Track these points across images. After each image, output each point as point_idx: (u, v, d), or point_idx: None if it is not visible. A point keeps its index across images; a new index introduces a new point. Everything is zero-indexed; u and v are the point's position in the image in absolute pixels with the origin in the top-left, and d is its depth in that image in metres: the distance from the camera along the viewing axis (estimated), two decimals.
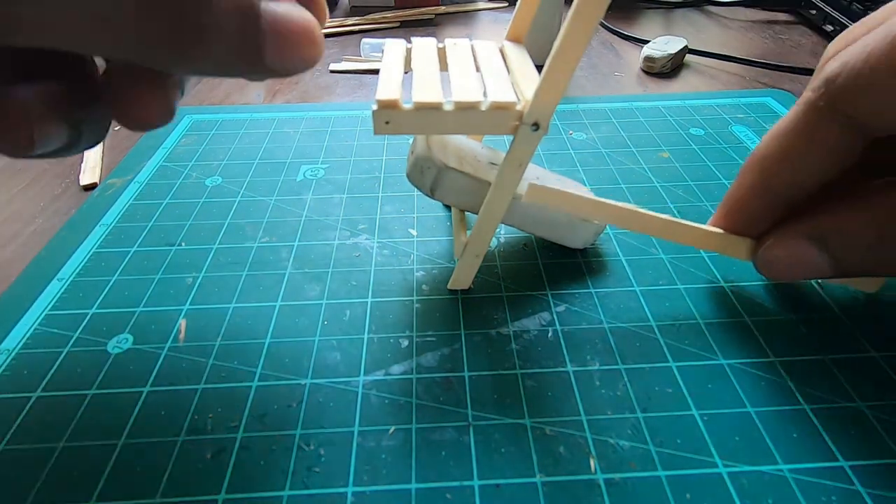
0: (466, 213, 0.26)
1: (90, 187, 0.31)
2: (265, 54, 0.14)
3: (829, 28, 0.51)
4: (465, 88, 0.17)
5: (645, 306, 0.23)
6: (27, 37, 0.12)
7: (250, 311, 0.22)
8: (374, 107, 0.17)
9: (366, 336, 0.21)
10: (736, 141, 0.34)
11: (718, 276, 0.24)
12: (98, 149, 0.35)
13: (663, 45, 0.46)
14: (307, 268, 0.25)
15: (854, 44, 0.17)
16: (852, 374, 0.20)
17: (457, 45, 0.21)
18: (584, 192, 0.26)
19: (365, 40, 0.48)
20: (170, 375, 0.20)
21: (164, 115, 0.16)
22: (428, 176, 0.22)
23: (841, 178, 0.19)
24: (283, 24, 0.14)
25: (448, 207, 0.28)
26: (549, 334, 0.21)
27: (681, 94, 0.41)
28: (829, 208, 0.19)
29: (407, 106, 0.17)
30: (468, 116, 0.17)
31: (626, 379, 0.20)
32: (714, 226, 0.22)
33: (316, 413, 0.19)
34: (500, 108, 0.17)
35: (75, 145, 0.17)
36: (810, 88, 0.18)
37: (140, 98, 0.16)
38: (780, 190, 0.19)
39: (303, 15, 0.14)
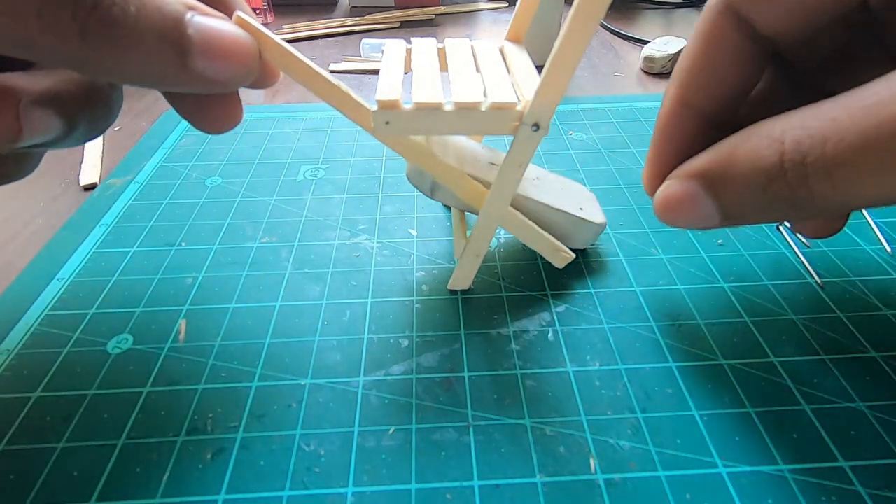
0: (466, 213, 0.26)
1: (90, 187, 0.31)
2: (194, 61, 0.14)
3: None
4: (465, 89, 0.17)
5: (645, 306, 0.23)
6: None
7: (250, 311, 0.22)
8: (375, 107, 0.17)
9: (366, 336, 0.21)
10: None
11: (718, 276, 0.24)
12: (98, 149, 0.35)
13: (663, 45, 0.46)
14: (307, 268, 0.25)
15: None
16: (852, 374, 0.20)
17: (457, 45, 0.21)
18: (584, 191, 0.26)
19: (365, 40, 0.48)
20: (170, 375, 0.20)
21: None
22: (428, 176, 0.22)
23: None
24: (212, 34, 0.14)
25: (448, 207, 0.28)
26: (549, 334, 0.21)
27: None
28: (732, 142, 0.16)
29: (407, 106, 0.17)
30: (468, 117, 0.17)
31: (626, 379, 0.20)
32: (653, 157, 0.19)
33: (316, 413, 0.19)
34: (500, 109, 0.17)
35: (68, 138, 0.17)
36: None
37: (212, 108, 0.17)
38: (697, 104, 0.18)
39: (233, 28, 0.15)
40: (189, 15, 0.14)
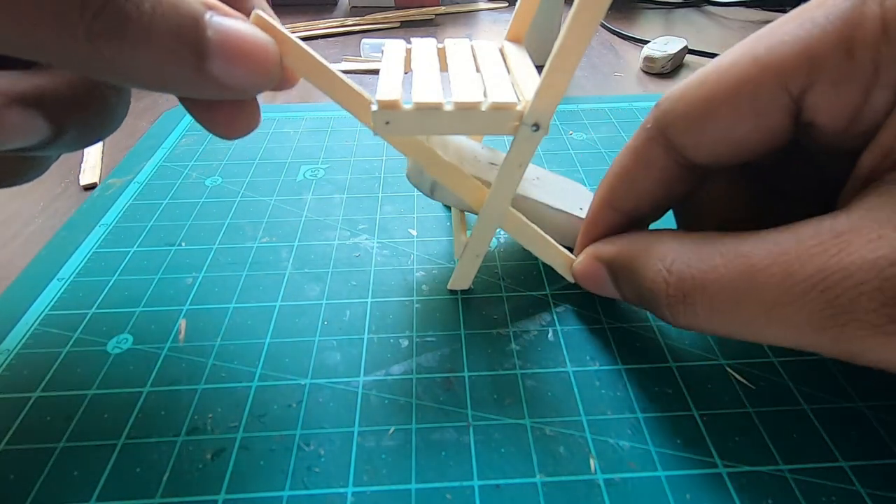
0: (466, 213, 0.26)
1: (90, 187, 0.31)
2: (211, 65, 0.13)
3: None
4: (465, 89, 0.17)
5: None
6: None
7: (250, 311, 0.22)
8: (375, 107, 0.17)
9: (366, 336, 0.21)
10: None
11: None
12: (98, 148, 0.35)
13: (663, 45, 0.46)
14: (307, 268, 0.25)
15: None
16: (852, 375, 0.20)
17: (457, 45, 0.21)
18: (584, 191, 0.26)
19: (365, 40, 0.48)
20: (170, 375, 0.20)
21: (250, 127, 0.16)
22: (428, 176, 0.22)
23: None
24: (232, 36, 0.13)
25: (448, 207, 0.28)
26: (549, 334, 0.21)
27: None
28: (636, 246, 0.19)
29: (407, 106, 0.17)
30: (468, 117, 0.17)
31: (626, 379, 0.20)
32: (580, 243, 0.22)
33: (316, 413, 0.19)
34: (500, 109, 0.17)
35: (57, 143, 0.16)
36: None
37: (225, 113, 0.16)
38: (622, 207, 0.20)
39: (254, 31, 0.14)
40: (208, 15, 0.13)
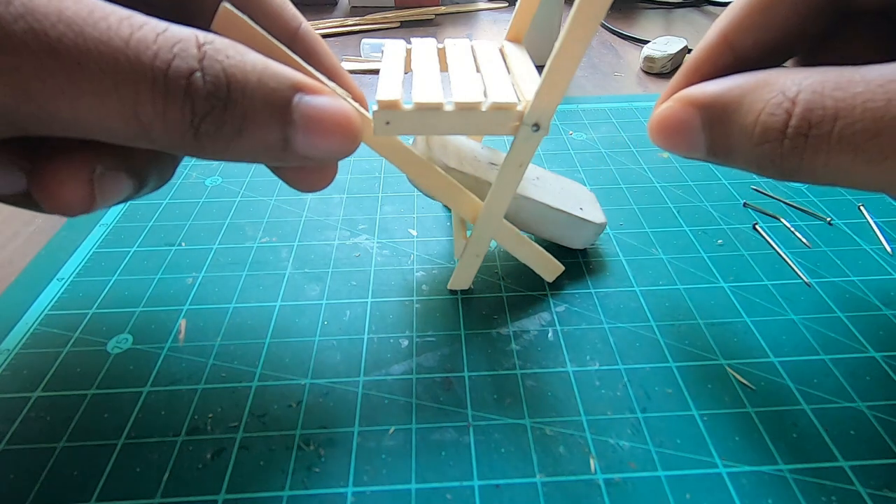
0: None
1: None
2: (295, 142, 0.14)
3: None
4: (465, 89, 0.17)
5: (645, 306, 0.23)
6: (53, 127, 0.12)
7: (250, 311, 0.22)
8: (375, 107, 0.17)
9: (366, 336, 0.21)
10: None
11: (718, 276, 0.24)
12: None
13: (663, 45, 0.46)
14: (307, 268, 0.25)
15: None
16: (852, 374, 0.20)
17: (457, 45, 0.21)
18: (584, 191, 0.26)
19: (365, 40, 0.48)
20: (170, 375, 0.20)
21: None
22: None
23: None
24: (315, 116, 0.14)
25: (448, 207, 0.28)
26: (549, 334, 0.21)
27: None
28: (745, 84, 0.15)
29: (407, 106, 0.17)
30: (469, 117, 0.17)
31: (626, 379, 0.20)
32: (673, 90, 0.18)
33: (316, 413, 0.19)
34: (500, 109, 0.17)
35: (140, 193, 0.17)
36: None
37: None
38: (742, 44, 0.17)
39: (340, 108, 0.15)
40: (296, 99, 0.14)
